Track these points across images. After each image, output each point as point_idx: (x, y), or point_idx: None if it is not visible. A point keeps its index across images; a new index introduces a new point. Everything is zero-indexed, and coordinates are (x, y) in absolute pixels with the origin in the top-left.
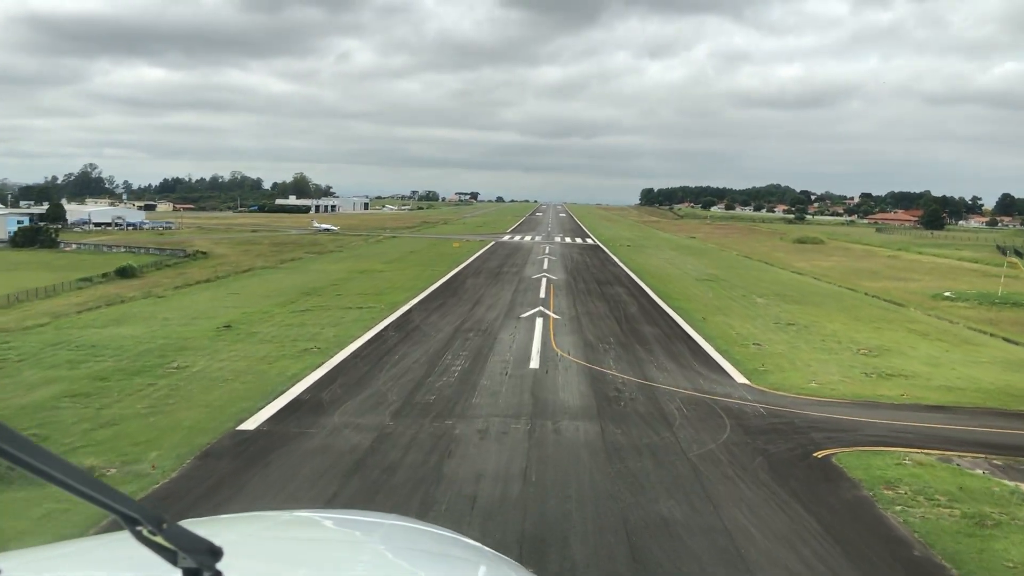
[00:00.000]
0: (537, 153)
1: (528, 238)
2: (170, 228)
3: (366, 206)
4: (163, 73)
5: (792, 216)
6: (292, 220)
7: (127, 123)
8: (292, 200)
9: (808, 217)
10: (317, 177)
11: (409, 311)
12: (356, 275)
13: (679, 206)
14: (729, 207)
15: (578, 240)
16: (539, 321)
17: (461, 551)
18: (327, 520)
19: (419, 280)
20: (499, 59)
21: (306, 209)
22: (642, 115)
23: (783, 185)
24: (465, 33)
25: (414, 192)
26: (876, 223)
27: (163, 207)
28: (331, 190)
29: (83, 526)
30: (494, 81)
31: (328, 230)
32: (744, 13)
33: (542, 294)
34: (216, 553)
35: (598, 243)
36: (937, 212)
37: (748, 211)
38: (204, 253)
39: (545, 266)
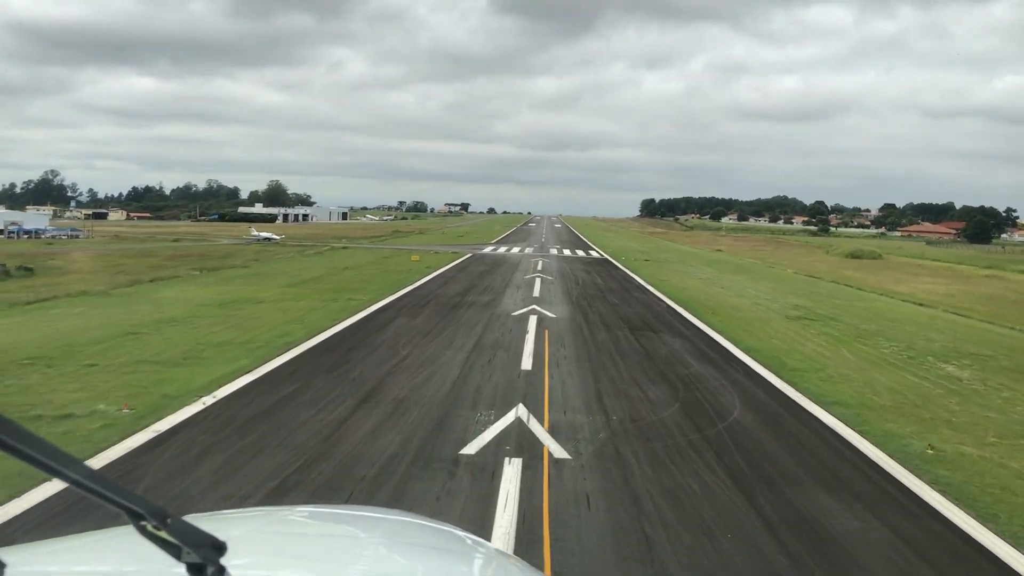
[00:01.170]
0: (531, 166)
1: (516, 250)
2: (77, 236)
3: (344, 216)
4: (153, 83)
5: (815, 228)
6: (235, 229)
7: (118, 134)
8: (258, 208)
9: (832, 229)
10: (311, 189)
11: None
12: (209, 312)
13: (685, 217)
14: (742, 218)
15: (580, 253)
16: (508, 486)
17: (465, 547)
18: (330, 515)
19: (303, 324)
20: (493, 69)
21: (272, 218)
22: (638, 128)
23: (789, 197)
24: (458, 42)
25: (401, 203)
26: (910, 236)
27: (116, 215)
28: (310, 199)
29: None
30: (488, 92)
31: (268, 239)
32: (744, 22)
33: (527, 356)
34: (220, 548)
35: (605, 256)
36: (983, 224)
37: (761, 222)
38: (30, 269)
39: (536, 291)
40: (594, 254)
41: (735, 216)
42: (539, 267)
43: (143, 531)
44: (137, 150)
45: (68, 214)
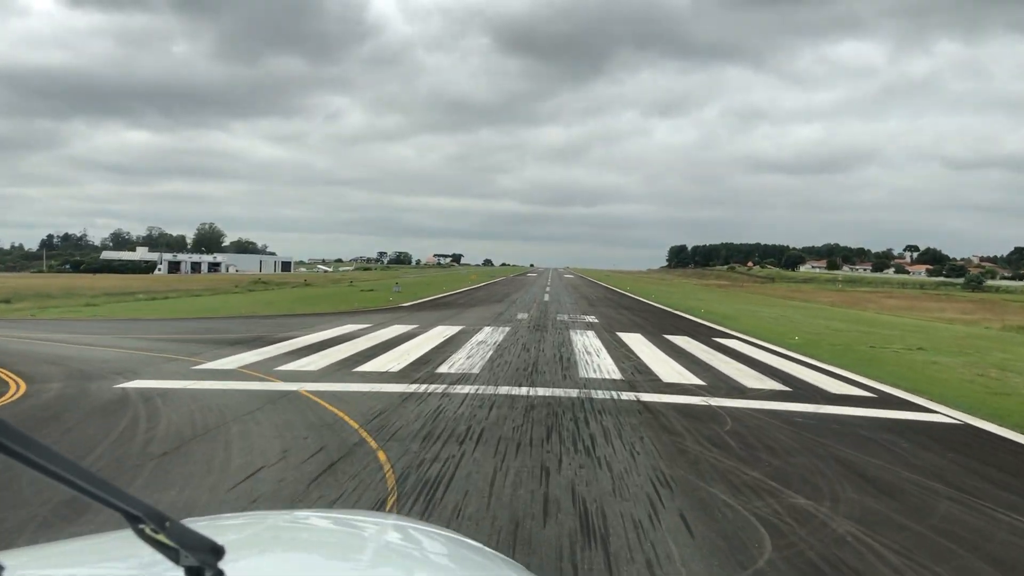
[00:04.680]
0: (536, 222)
1: (486, 330)
2: None
3: (287, 266)
4: (146, 136)
5: (956, 280)
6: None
7: (117, 192)
8: (134, 254)
9: (986, 282)
10: (314, 248)
11: None
12: None
13: (738, 266)
14: (832, 266)
15: (634, 317)
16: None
17: (464, 552)
18: (329, 519)
19: None
20: (497, 118)
21: (148, 267)
22: (648, 180)
23: (842, 244)
24: (460, 88)
25: (382, 254)
26: None
27: None
28: (267, 248)
29: None
30: (492, 143)
31: None
32: (767, 61)
33: None
34: (218, 552)
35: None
36: None
37: (853, 271)
38: None
39: None
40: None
41: (826, 264)
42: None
43: (141, 534)
44: (139, 208)
45: None
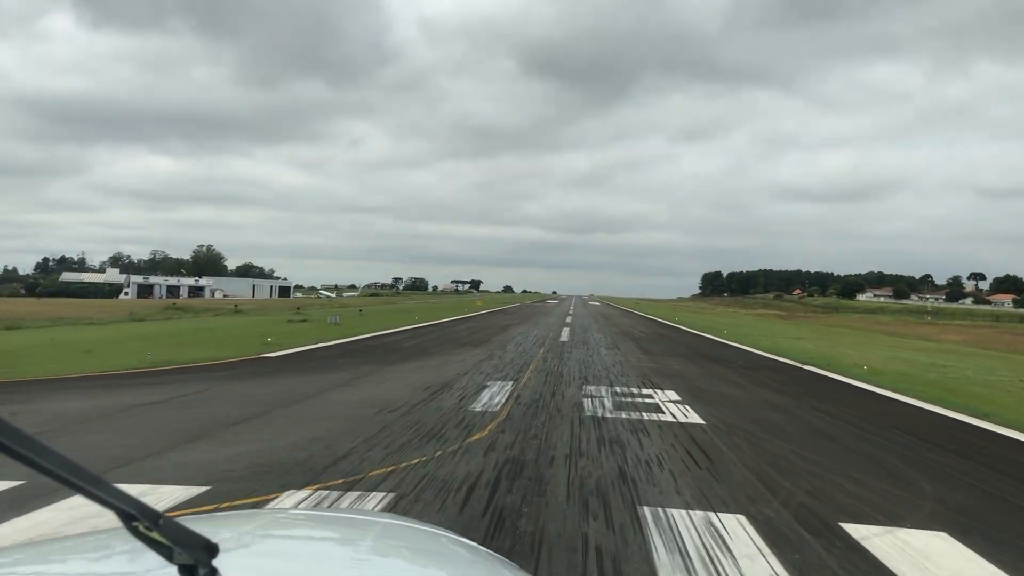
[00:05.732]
0: (559, 250)
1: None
2: None
3: (285, 291)
4: (168, 162)
5: None
6: None
7: (143, 218)
8: (99, 277)
9: None
10: (339, 276)
11: None
12: None
13: (784, 295)
14: (900, 295)
15: (764, 393)
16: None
17: (458, 550)
18: (323, 518)
19: None
20: (521, 143)
21: (114, 291)
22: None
23: (886, 272)
24: (484, 113)
25: (397, 279)
26: None
27: None
28: (273, 273)
29: None
30: (516, 170)
31: None
32: (798, 84)
33: None
34: (212, 549)
35: None
36: None
37: (923, 300)
38: None
39: None
40: None
41: (892, 292)
42: None
43: (135, 532)
44: (162, 235)
45: None
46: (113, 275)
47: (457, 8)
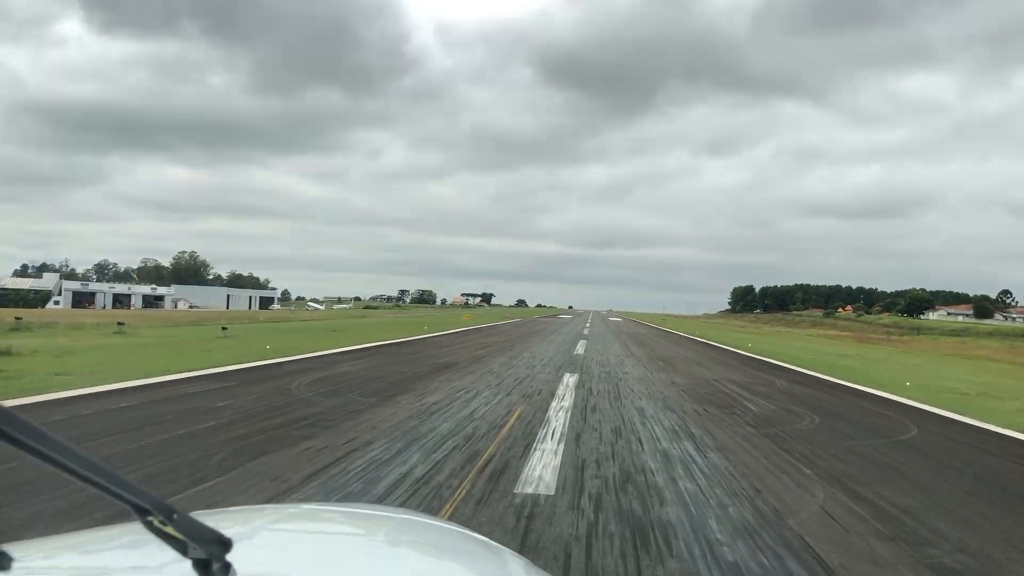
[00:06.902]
0: (576, 264)
1: None
2: None
3: (267, 302)
4: (185, 172)
5: None
6: None
7: (161, 228)
8: (24, 282)
9: None
10: (357, 288)
11: None
12: None
13: (834, 311)
14: (983, 313)
15: None
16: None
17: (471, 546)
18: (336, 513)
19: None
20: (540, 154)
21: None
22: (696, 222)
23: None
24: (503, 123)
25: (403, 292)
26: None
27: None
28: (268, 283)
29: None
30: (535, 183)
31: None
32: (827, 96)
33: None
34: (226, 544)
35: None
36: None
37: (1008, 320)
38: None
39: None
40: None
41: (970, 311)
42: None
43: (149, 527)
44: (180, 245)
45: None
46: (51, 280)
47: (475, 16)
